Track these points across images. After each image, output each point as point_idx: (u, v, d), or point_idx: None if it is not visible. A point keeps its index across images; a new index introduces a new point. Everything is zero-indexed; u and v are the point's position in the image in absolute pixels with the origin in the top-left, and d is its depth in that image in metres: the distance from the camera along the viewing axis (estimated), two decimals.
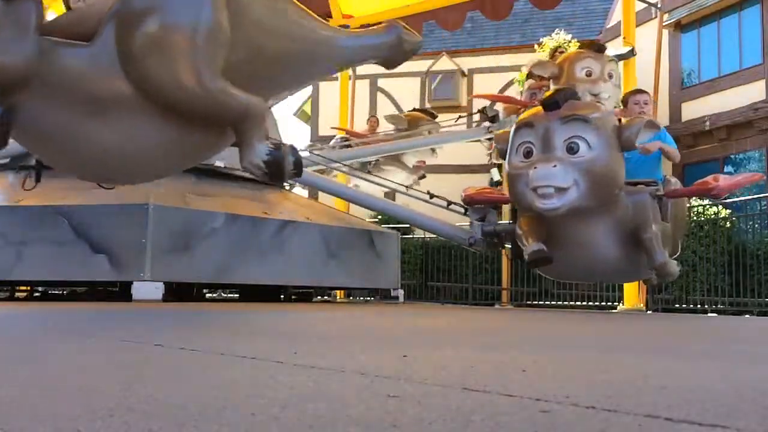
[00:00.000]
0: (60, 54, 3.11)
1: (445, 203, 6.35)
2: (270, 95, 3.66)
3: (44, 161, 3.81)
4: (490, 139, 7.92)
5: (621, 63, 7.14)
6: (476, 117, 8.50)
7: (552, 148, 4.17)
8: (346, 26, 5.12)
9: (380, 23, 4.21)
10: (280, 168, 3.40)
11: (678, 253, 5.46)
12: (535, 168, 4.15)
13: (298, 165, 3.57)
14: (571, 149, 4.14)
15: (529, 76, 6.96)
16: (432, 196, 6.47)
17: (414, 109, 9.47)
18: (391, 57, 4.05)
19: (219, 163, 6.11)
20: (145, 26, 3.14)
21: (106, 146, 3.27)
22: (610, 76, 6.50)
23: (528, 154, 4.29)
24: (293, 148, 3.61)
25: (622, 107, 5.56)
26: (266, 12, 3.50)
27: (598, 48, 6.73)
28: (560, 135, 4.18)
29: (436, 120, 8.89)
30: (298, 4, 3.69)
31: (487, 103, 8.58)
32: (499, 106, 8.41)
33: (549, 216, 4.37)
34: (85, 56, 3.14)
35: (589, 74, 6.40)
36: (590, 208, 4.28)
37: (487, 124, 7.86)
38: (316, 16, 3.78)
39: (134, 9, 3.17)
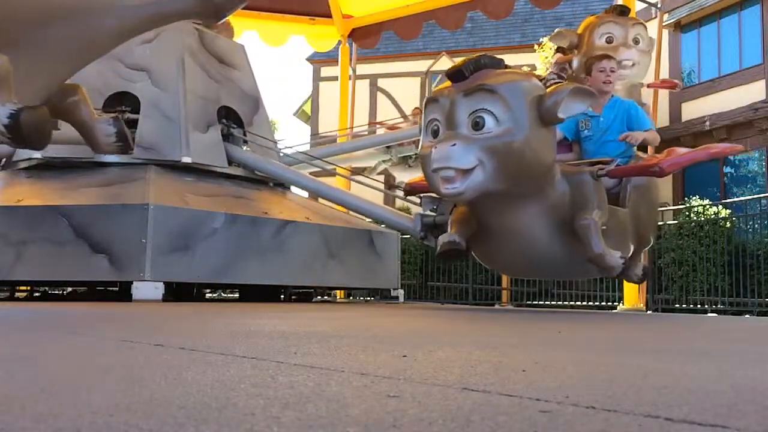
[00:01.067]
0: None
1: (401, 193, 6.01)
2: (25, 55, 3.35)
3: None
4: None
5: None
6: None
7: (455, 124, 3.70)
8: None
9: None
10: (19, 130, 3.21)
11: (648, 245, 5.20)
12: (435, 148, 3.70)
13: (121, 135, 3.86)
14: (477, 125, 3.65)
15: (558, 50, 6.56)
16: (390, 186, 6.29)
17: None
18: (202, 13, 3.92)
19: (186, 159, 6.05)
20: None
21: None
22: (636, 42, 5.91)
23: (435, 132, 3.83)
24: (117, 121, 3.95)
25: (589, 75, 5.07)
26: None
27: (621, 11, 6.17)
28: (464, 109, 3.69)
29: None
30: None
31: None
32: None
33: (477, 203, 3.98)
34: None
35: (609, 40, 5.85)
36: (504, 192, 3.81)
37: None
38: None
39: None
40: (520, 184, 3.82)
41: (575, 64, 5.95)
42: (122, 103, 6.25)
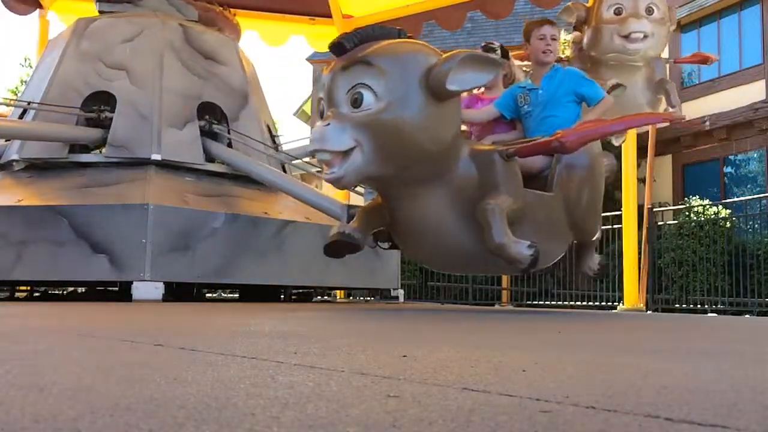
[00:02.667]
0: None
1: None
2: None
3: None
4: None
5: None
6: None
7: (336, 102, 3.40)
8: None
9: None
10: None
11: (593, 236, 4.64)
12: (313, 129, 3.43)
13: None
14: (355, 102, 3.34)
15: (575, 28, 6.21)
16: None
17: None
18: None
19: (156, 157, 5.99)
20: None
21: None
22: (650, 12, 5.39)
23: (322, 114, 3.52)
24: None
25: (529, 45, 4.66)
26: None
27: None
28: (342, 85, 3.38)
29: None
30: None
31: None
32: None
33: (381, 191, 3.77)
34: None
35: (618, 12, 5.38)
36: (397, 176, 3.51)
37: None
38: None
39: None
40: (409, 166, 3.47)
41: (585, 40, 5.62)
42: (107, 103, 6.25)
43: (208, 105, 6.72)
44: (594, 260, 4.74)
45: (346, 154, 3.34)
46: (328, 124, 3.33)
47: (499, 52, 4.84)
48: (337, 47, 3.44)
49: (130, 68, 6.37)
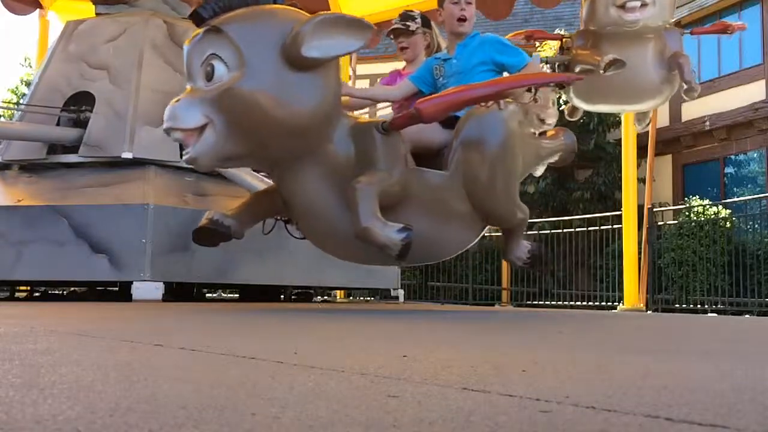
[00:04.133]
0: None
1: None
2: None
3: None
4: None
5: None
6: None
7: (192, 76, 3.17)
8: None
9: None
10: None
11: (512, 221, 4.08)
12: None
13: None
14: (208, 74, 3.11)
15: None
16: None
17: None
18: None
19: (127, 155, 5.88)
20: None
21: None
22: None
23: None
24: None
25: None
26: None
27: None
28: (196, 57, 3.14)
29: None
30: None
31: None
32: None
33: (270, 173, 3.59)
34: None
35: None
36: (249, 154, 3.29)
37: None
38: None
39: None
40: (267, 143, 3.23)
41: (583, 13, 5.17)
42: (90, 103, 6.23)
43: None
44: (522, 248, 4.17)
45: (196, 132, 3.08)
46: (179, 100, 3.11)
47: (419, 20, 4.54)
48: (195, 17, 3.16)
49: (111, 67, 6.36)
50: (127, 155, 5.92)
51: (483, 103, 3.62)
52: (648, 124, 6.01)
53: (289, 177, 3.46)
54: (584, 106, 5.60)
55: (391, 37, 4.65)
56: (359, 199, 3.18)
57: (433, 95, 3.57)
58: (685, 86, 4.89)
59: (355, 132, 3.44)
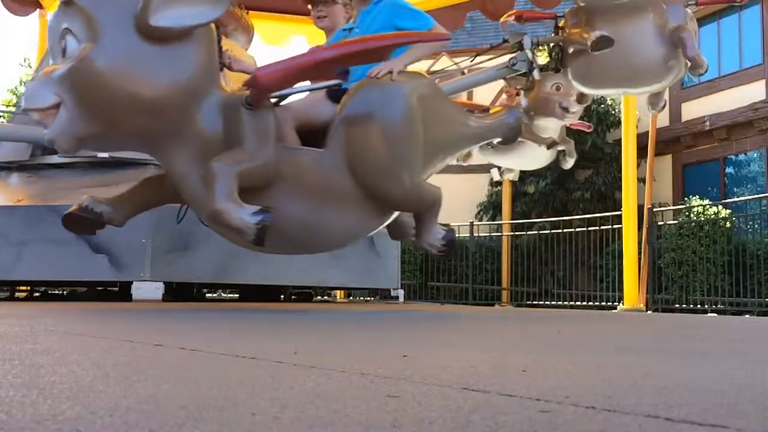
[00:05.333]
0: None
1: None
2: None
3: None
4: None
5: None
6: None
7: (53, 52, 3.00)
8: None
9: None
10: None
11: (424, 208, 3.75)
12: None
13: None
14: (64, 51, 2.93)
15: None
16: None
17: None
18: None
19: (103, 155, 5.84)
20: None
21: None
22: None
23: None
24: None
25: None
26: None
27: None
28: (54, 32, 2.96)
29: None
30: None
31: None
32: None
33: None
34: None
35: None
36: (105, 133, 3.06)
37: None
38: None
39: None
40: (121, 121, 3.02)
41: None
42: None
43: None
44: (435, 234, 3.76)
45: (50, 111, 2.92)
46: (34, 79, 2.97)
47: None
48: None
49: None
50: (103, 155, 5.83)
51: (375, 75, 3.41)
52: (663, 107, 5.42)
53: (166, 159, 3.28)
54: (585, 90, 5.20)
55: (310, 5, 4.37)
56: (215, 179, 2.99)
57: (269, 64, 3.28)
58: (690, 63, 4.47)
59: (224, 108, 3.21)
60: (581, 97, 5.44)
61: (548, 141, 5.73)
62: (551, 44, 4.97)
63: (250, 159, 3.14)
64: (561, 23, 4.97)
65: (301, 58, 3.33)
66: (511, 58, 5.08)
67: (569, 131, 6.10)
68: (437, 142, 3.73)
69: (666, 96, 5.41)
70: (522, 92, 5.69)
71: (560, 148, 6.00)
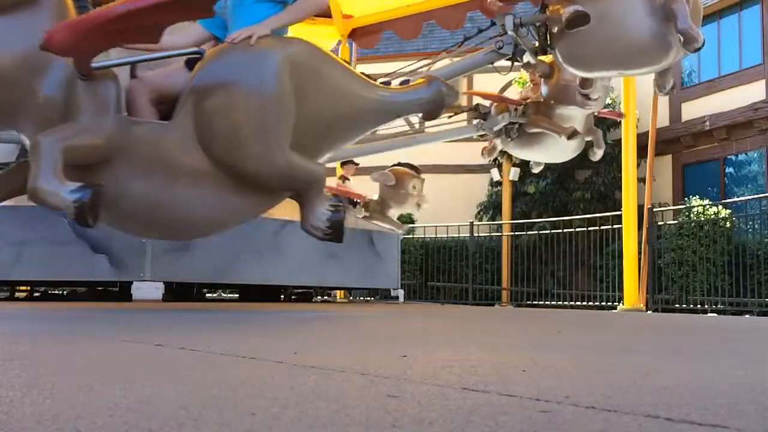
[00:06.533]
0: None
1: None
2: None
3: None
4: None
5: None
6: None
7: None
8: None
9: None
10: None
11: (305, 190, 3.41)
12: None
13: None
14: None
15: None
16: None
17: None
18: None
19: None
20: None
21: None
22: None
23: None
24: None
25: None
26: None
27: None
28: None
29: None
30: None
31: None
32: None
33: None
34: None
35: None
36: None
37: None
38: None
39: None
40: None
41: None
42: None
43: None
44: (319, 216, 3.42)
45: None
46: None
47: None
48: None
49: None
50: None
51: (232, 40, 3.21)
52: (672, 88, 4.90)
53: (22, 133, 3.13)
54: (577, 72, 4.82)
55: None
56: (38, 155, 2.83)
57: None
58: (682, 38, 4.05)
59: (67, 80, 3.03)
60: (584, 82, 5.12)
61: (568, 131, 5.42)
62: (538, 24, 4.65)
63: (81, 133, 2.96)
64: (547, 1, 4.62)
65: (89, 16, 2.99)
66: (497, 42, 4.90)
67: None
68: (325, 117, 3.41)
69: (671, 76, 4.84)
70: (542, 80, 5.49)
71: (587, 138, 5.72)
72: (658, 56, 4.34)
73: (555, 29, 4.40)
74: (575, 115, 5.46)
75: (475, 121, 6.70)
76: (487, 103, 6.73)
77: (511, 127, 5.98)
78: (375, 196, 7.22)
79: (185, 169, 3.21)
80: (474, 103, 6.94)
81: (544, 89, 5.42)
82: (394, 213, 7.60)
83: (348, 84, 3.52)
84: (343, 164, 8.24)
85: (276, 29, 3.32)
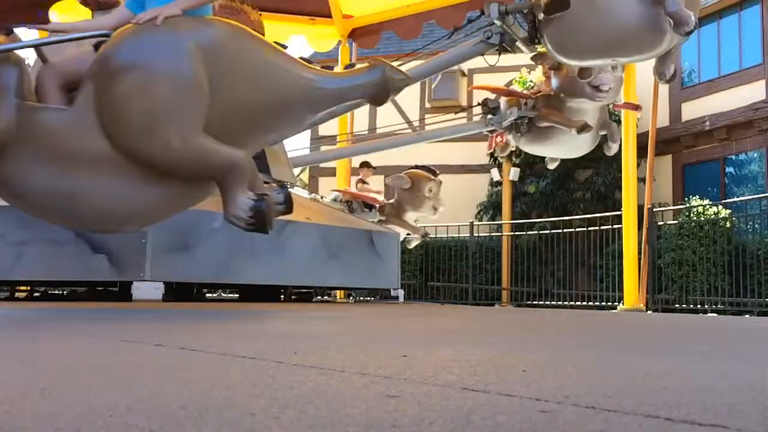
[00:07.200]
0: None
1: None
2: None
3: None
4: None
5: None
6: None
7: None
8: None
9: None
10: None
11: (220, 177, 3.24)
12: None
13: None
14: None
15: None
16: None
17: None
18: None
19: None
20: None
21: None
22: None
23: None
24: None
25: None
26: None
27: None
28: None
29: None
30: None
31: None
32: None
33: None
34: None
35: None
36: None
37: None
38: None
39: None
40: None
41: None
42: None
43: None
44: (240, 205, 3.23)
45: None
46: None
47: None
48: None
49: None
50: None
51: (137, 21, 3.09)
52: (673, 76, 4.79)
53: None
54: (568, 61, 4.71)
55: None
56: None
57: None
58: (671, 21, 3.90)
59: None
60: (582, 72, 5.03)
61: (578, 125, 5.30)
62: (525, 11, 4.58)
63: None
64: None
65: None
66: (485, 32, 4.84)
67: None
68: (249, 102, 3.24)
69: (671, 63, 4.69)
70: (552, 72, 5.40)
71: (602, 132, 5.59)
72: (651, 42, 4.21)
73: (541, 16, 4.35)
74: (587, 108, 5.35)
75: (483, 117, 6.61)
76: (493, 97, 6.66)
77: (521, 121, 5.89)
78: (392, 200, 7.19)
79: (88, 156, 3.07)
80: (483, 98, 6.85)
81: (554, 81, 5.33)
82: (410, 216, 7.56)
83: (275, 68, 3.34)
84: (359, 167, 8.25)
85: (188, 9, 3.16)
